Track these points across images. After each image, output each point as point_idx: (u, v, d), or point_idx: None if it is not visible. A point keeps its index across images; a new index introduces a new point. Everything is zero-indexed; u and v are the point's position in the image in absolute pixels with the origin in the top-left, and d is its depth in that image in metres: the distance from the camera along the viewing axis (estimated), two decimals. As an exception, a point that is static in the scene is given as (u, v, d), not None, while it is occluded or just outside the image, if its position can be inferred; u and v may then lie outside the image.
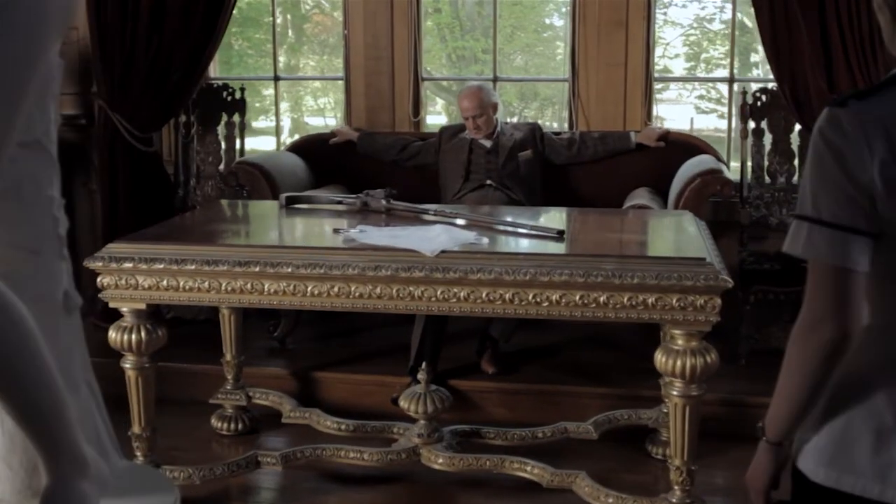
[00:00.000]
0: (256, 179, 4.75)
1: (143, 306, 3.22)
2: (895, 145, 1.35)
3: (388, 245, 3.09)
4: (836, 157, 1.37)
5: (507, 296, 2.96)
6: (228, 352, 4.14)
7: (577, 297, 2.92)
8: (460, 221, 3.51)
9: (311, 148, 5.31)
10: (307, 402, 4.24)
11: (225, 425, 4.19)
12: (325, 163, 5.22)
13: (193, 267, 3.09)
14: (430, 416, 3.53)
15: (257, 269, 3.06)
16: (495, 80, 5.56)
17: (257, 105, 12.88)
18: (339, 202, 3.88)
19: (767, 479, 1.60)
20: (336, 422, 3.88)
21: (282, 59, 10.96)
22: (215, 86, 5.42)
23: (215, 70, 5.86)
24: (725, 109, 8.14)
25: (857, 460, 1.45)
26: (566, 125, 5.38)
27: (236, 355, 4.15)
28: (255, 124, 13.29)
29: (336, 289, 3.05)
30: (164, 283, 3.13)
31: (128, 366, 3.30)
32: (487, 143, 4.91)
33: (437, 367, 4.25)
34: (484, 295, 2.97)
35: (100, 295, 3.21)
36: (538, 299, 2.94)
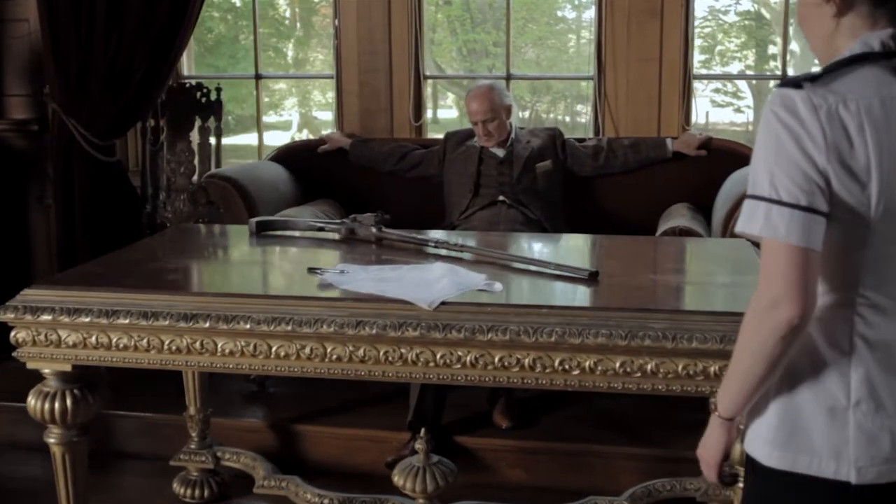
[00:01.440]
0: (230, 196, 4.14)
1: (68, 367, 2.60)
2: (847, 129, 1.41)
3: (375, 293, 2.47)
4: (793, 138, 1.42)
5: (527, 361, 2.34)
6: (192, 404, 3.53)
7: (618, 364, 2.30)
8: (467, 256, 2.89)
9: (297, 158, 4.72)
10: (288, 460, 3.66)
11: (189, 491, 3.57)
12: (313, 175, 4.66)
13: (128, 321, 2.49)
14: (430, 495, 2.89)
15: (207, 324, 2.46)
16: (508, 77, 4.94)
17: (266, 100, 12.44)
18: (321, 228, 3.27)
19: (719, 454, 1.68)
20: (319, 494, 3.26)
21: (290, 52, 10.41)
22: (188, 85, 4.82)
23: (190, 66, 5.24)
24: (742, 103, 7.60)
25: (812, 439, 1.51)
26: (590, 130, 4.73)
27: (201, 408, 3.53)
28: (265, 119, 12.85)
29: (308, 349, 2.44)
30: (94, 339, 2.52)
31: (52, 440, 2.69)
32: (500, 153, 4.30)
33: (441, 420, 3.66)
34: (496, 360, 2.36)
35: (15, 353, 2.59)
36: (567, 366, 2.33)
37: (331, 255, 3.07)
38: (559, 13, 11.85)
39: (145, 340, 2.50)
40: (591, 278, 2.60)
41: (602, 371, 2.31)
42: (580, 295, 2.53)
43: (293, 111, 12.48)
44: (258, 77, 5.20)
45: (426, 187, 4.52)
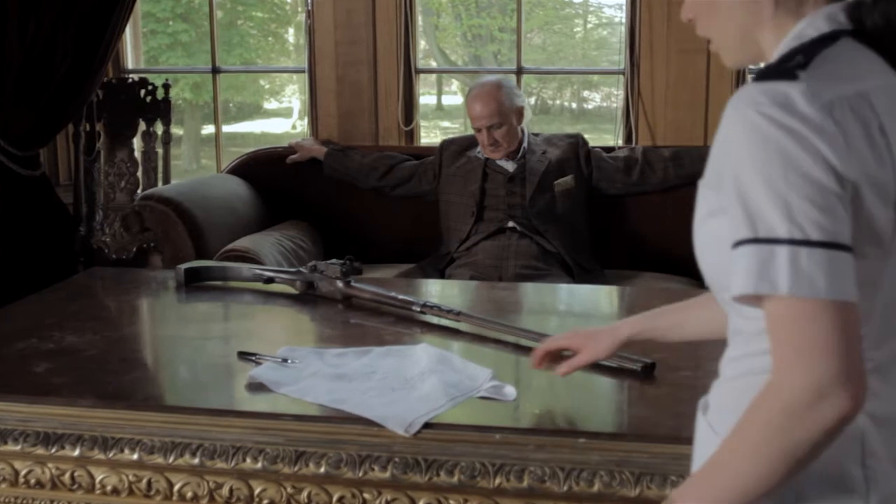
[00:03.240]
0: (169, 223, 3.38)
1: None
2: (869, 128, 1.09)
3: (327, 404, 1.71)
4: (802, 145, 1.04)
5: (554, 518, 1.57)
6: None
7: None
8: (466, 328, 2.13)
9: (260, 170, 3.99)
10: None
11: None
12: (280, 191, 3.96)
13: (-39, 442, 1.73)
14: None
15: (77, 451, 1.74)
16: (519, 71, 4.14)
17: (266, 86, 11.85)
18: (270, 280, 2.49)
19: None
20: None
21: (290, 38, 9.87)
22: (129, 81, 4.04)
23: (136, 59, 4.45)
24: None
25: None
26: (620, 137, 3.94)
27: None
28: (266, 106, 12.25)
29: (226, 490, 1.68)
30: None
31: None
32: (509, 166, 3.56)
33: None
34: (507, 515, 1.59)
35: None
36: (616, 527, 1.55)
37: (279, 324, 2.30)
38: (566, -4, 11.36)
39: (-14, 469, 1.74)
40: (647, 371, 1.83)
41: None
42: (636, 404, 1.74)
43: (294, 98, 11.89)
44: (215, 71, 4.40)
45: (419, 207, 3.83)
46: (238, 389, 1.83)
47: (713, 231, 1.14)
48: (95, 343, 2.06)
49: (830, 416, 1.04)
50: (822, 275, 1.03)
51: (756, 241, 1.05)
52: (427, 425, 1.62)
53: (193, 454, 1.66)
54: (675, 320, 1.60)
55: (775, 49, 1.19)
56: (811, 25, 1.17)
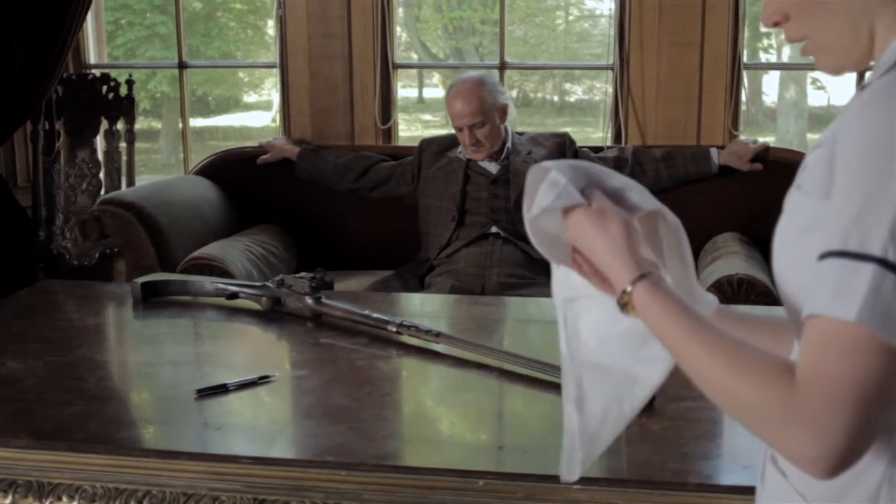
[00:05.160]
0: (131, 229, 3.19)
1: None
2: None
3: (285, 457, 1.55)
4: None
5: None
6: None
7: None
8: (442, 349, 1.98)
9: (229, 171, 3.80)
10: None
11: None
12: (250, 194, 3.78)
13: None
14: None
15: (7, 500, 1.56)
16: (503, 67, 3.97)
17: (246, 79, 11.67)
18: (234, 295, 2.32)
19: None
20: None
21: (270, 31, 9.67)
22: (90, 76, 3.86)
23: (99, 53, 4.26)
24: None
25: None
26: (610, 135, 3.78)
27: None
28: (246, 99, 12.05)
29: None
30: None
31: None
32: (492, 168, 3.40)
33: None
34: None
35: None
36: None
37: (241, 345, 2.13)
38: (547, -13, 11.29)
39: None
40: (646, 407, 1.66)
41: None
42: (635, 443, 1.58)
43: (274, 91, 11.72)
44: (182, 66, 4.21)
45: (397, 211, 3.64)
46: (192, 427, 1.65)
47: (810, 247, 0.95)
48: (37, 370, 1.89)
49: (805, 464, 0.91)
50: None
51: (843, 254, 0.90)
52: (400, 468, 1.46)
53: (140, 502, 1.50)
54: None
55: (893, 44, 1.00)
56: None
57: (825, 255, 0.91)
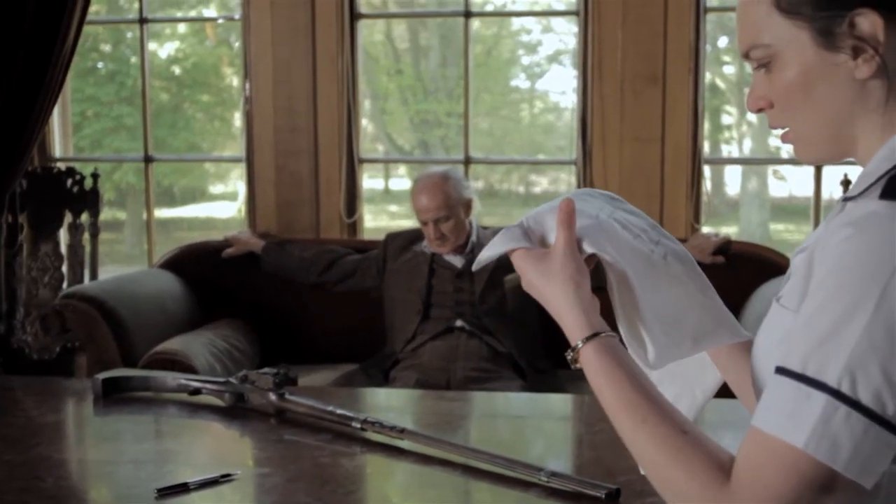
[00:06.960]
0: (93, 323, 3.19)
1: None
2: None
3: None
4: None
5: None
6: None
7: None
8: (407, 446, 1.96)
9: (194, 265, 3.84)
10: None
11: None
12: (215, 287, 3.82)
13: None
14: None
15: None
16: (467, 161, 4.04)
17: (212, 171, 11.72)
18: (197, 391, 2.30)
19: None
20: None
21: (237, 123, 9.60)
22: (55, 170, 3.88)
23: (64, 146, 4.29)
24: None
25: None
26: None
27: None
28: (212, 189, 12.10)
29: None
30: None
31: None
32: (457, 262, 3.44)
33: None
34: None
35: None
36: None
37: (203, 443, 2.11)
38: (512, 83, 11.48)
39: None
40: (611, 499, 1.67)
41: None
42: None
43: (239, 182, 11.79)
44: (147, 160, 4.24)
45: (362, 304, 3.68)
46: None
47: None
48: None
49: None
50: (848, 443, 0.89)
51: (801, 377, 0.92)
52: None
53: None
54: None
55: (878, 146, 1.02)
56: None
57: (783, 371, 0.94)
